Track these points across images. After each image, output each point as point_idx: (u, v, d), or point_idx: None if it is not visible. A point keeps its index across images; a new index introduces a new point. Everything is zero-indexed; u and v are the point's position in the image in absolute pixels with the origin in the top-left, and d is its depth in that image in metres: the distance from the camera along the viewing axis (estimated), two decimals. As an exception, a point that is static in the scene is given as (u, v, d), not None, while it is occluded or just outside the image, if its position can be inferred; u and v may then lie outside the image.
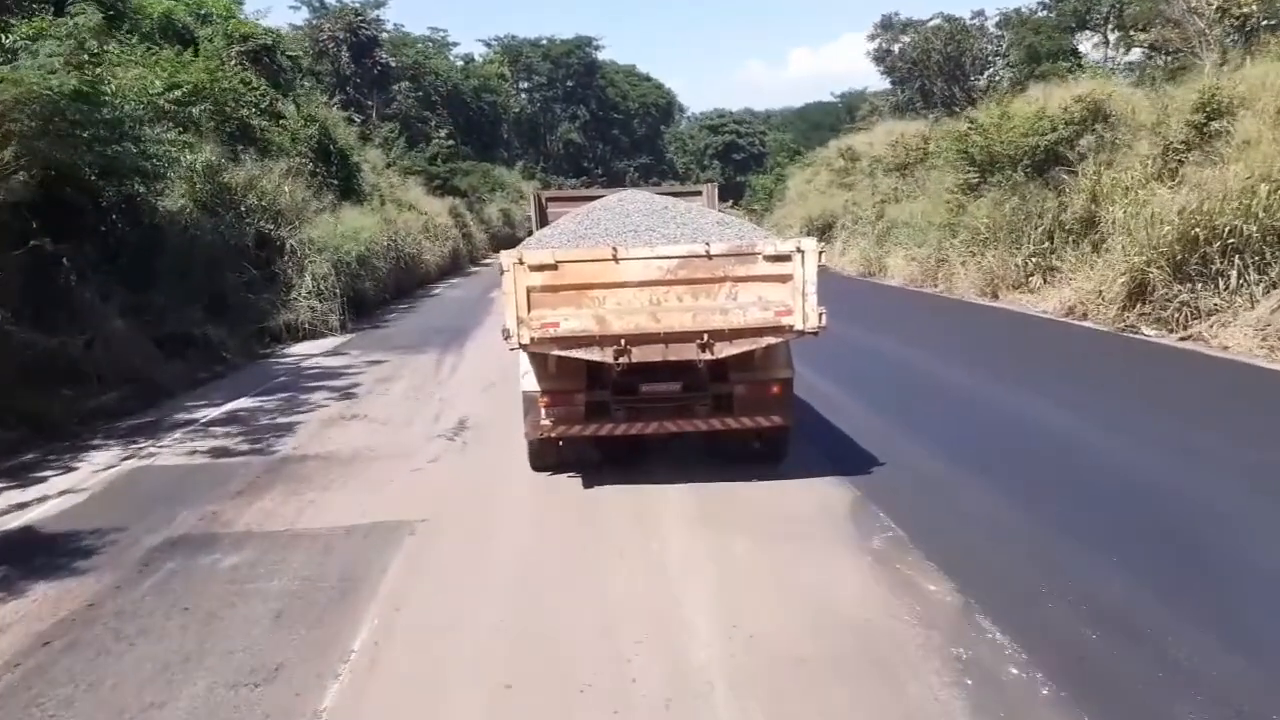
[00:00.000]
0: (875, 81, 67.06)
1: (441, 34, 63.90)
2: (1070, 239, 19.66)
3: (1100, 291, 16.77)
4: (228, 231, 17.37)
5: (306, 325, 17.41)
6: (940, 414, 10.25)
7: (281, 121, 22.74)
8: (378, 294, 21.71)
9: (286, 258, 18.30)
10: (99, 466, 8.94)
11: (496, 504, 7.50)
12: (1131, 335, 14.67)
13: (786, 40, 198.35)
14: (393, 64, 43.22)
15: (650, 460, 8.25)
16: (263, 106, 22.84)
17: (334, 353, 15.91)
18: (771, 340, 7.06)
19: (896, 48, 49.73)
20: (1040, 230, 20.23)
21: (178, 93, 16.65)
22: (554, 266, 6.75)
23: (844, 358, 13.11)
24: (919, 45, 45.03)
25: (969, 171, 23.45)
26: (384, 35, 46.45)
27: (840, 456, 8.43)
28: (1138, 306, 15.51)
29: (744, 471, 7.82)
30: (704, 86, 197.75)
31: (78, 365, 11.65)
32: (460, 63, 63.70)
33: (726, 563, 6.08)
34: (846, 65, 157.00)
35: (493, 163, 58.21)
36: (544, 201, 11.69)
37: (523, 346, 6.94)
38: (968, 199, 23.11)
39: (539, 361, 7.36)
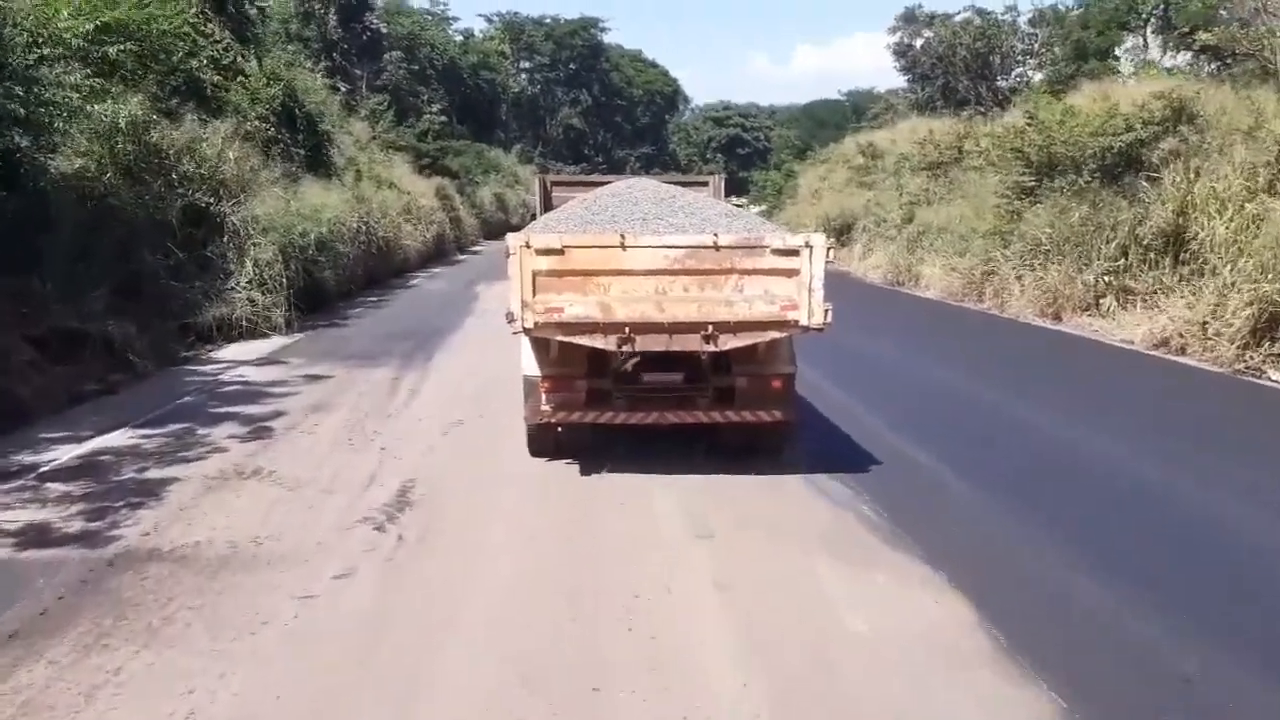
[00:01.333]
0: (882, 81, 64.24)
1: (442, 7, 60.41)
2: (1149, 256, 16.63)
3: (1205, 323, 13.74)
4: (152, 203, 14.11)
5: (244, 322, 14.15)
6: (1053, 487, 7.47)
7: (241, 79, 19.41)
8: (340, 285, 18.41)
9: (227, 238, 15.03)
10: None
11: (435, 699, 4.32)
12: (1255, 379, 11.68)
13: (791, 37, 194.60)
14: (384, 30, 39.70)
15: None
16: (218, 60, 19.53)
17: (268, 360, 12.66)
18: (776, 335, 6.94)
19: (919, 42, 46.68)
20: (1114, 244, 17.18)
21: (89, 26, 13.29)
22: (560, 251, 6.60)
23: (905, 393, 10.20)
24: (945, 40, 41.80)
25: (1024, 174, 20.33)
26: (378, 2, 42.92)
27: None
28: (1264, 344, 12.51)
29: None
30: (707, 79, 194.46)
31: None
32: (459, 37, 60.20)
33: None
34: (851, 64, 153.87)
35: (489, 144, 54.81)
36: (549, 186, 11.17)
37: (526, 331, 6.76)
38: (1022, 204, 19.97)
39: (541, 346, 7.14)
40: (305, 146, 20.45)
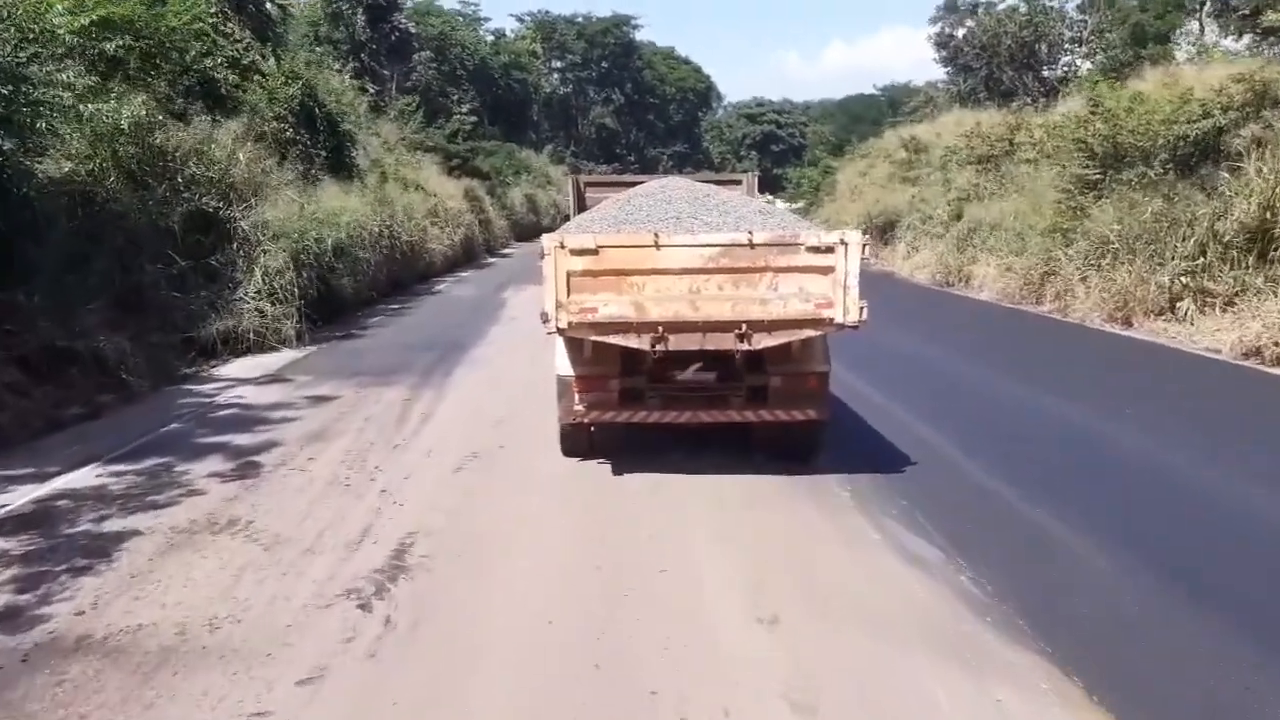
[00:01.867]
0: (918, 74, 62.50)
1: (473, 8, 59.44)
2: (1230, 254, 15.11)
3: (1314, 333, 12.25)
4: (156, 209, 13.11)
5: (251, 335, 13.09)
6: (1200, 546, 5.93)
7: (258, 78, 18.41)
8: (360, 292, 17.31)
9: (236, 245, 13.98)
10: None
11: None
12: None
13: (822, 33, 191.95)
14: (413, 30, 38.67)
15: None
16: (238, 59, 18.57)
17: (273, 378, 11.56)
18: (811, 333, 6.81)
19: (960, 33, 44.98)
20: (1191, 242, 15.65)
21: (83, 20, 12.27)
22: (595, 251, 6.55)
23: (981, 414, 8.79)
24: (990, 29, 40.06)
25: (1087, 166, 18.79)
26: (408, 2, 41.95)
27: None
28: (1381, 356, 11.03)
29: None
30: (738, 77, 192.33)
31: None
32: (490, 38, 59.20)
33: None
34: (884, 59, 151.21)
35: (520, 145, 53.77)
36: (582, 187, 10.99)
37: (560, 331, 6.69)
38: (1086, 199, 18.43)
39: (575, 346, 7.09)
40: (326, 148, 19.40)
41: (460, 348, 13.67)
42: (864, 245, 6.65)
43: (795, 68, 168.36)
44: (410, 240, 21.97)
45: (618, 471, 7.49)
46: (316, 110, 19.06)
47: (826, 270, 6.56)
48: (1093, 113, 18.83)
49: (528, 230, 43.68)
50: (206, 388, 11.01)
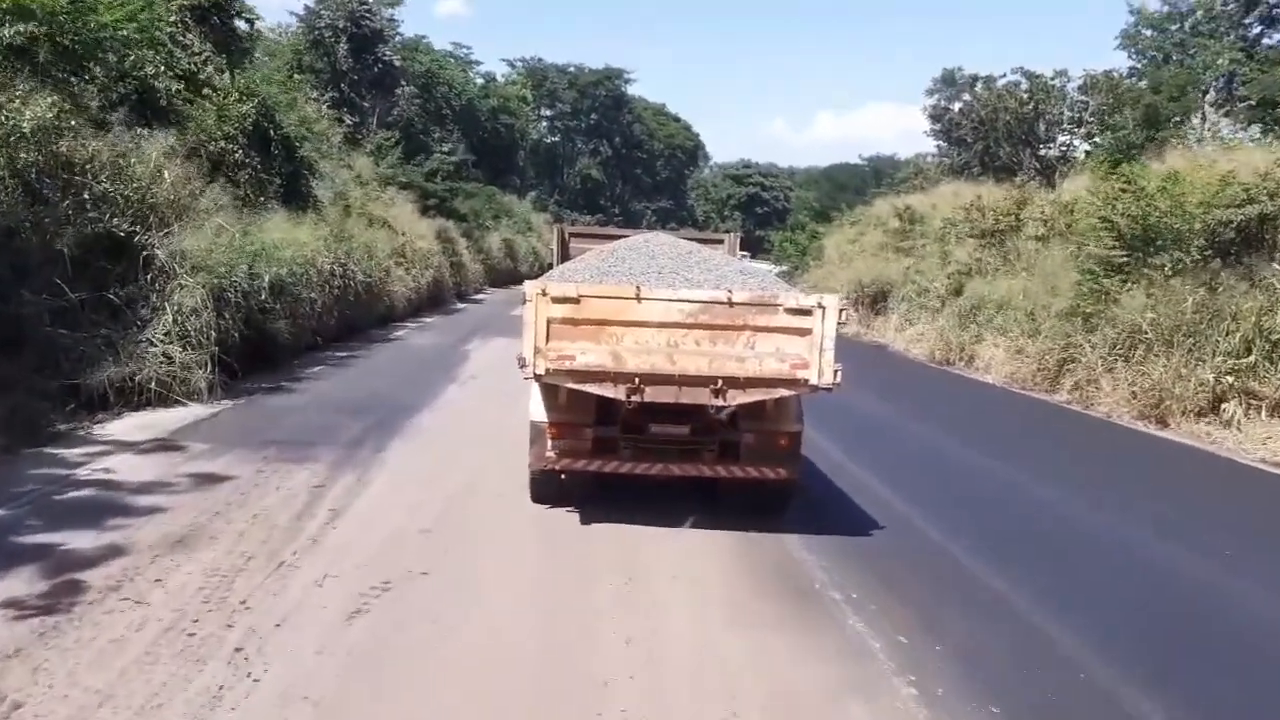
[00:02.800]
0: (903, 147, 62.13)
1: (465, 51, 58.02)
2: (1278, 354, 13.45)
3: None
4: (53, 228, 10.92)
5: (154, 385, 10.82)
6: None
7: (207, 92, 16.34)
8: (300, 337, 15.05)
9: (151, 277, 11.77)
10: None
11: None
12: None
13: (810, 104, 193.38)
14: (396, 63, 36.87)
15: None
16: (195, 73, 16.53)
17: (162, 444, 9.24)
18: (785, 392, 6.80)
19: (956, 106, 44.12)
20: (1236, 338, 13.91)
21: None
22: (576, 300, 6.55)
23: (1010, 525, 6.97)
24: (989, 103, 38.97)
25: (1114, 247, 17.07)
26: (395, 36, 40.25)
27: None
28: None
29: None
30: (726, 139, 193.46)
31: None
32: (480, 80, 57.68)
33: None
34: (870, 131, 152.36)
35: (504, 189, 51.96)
36: (567, 236, 10.91)
37: (537, 377, 6.65)
38: (1111, 282, 16.66)
39: (550, 393, 7.01)
40: (280, 174, 17.30)
41: (404, 412, 11.46)
42: (841, 310, 6.66)
43: (783, 133, 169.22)
44: (367, 281, 19.77)
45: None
46: (271, 132, 16.97)
47: (804, 332, 6.57)
48: (1124, 190, 17.13)
49: (503, 276, 41.65)
50: (75, 453, 8.70)
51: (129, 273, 11.64)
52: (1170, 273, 15.54)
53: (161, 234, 12.10)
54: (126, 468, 8.24)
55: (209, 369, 11.24)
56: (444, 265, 29.53)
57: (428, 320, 24.42)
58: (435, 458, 9.36)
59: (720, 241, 11.09)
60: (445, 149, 39.76)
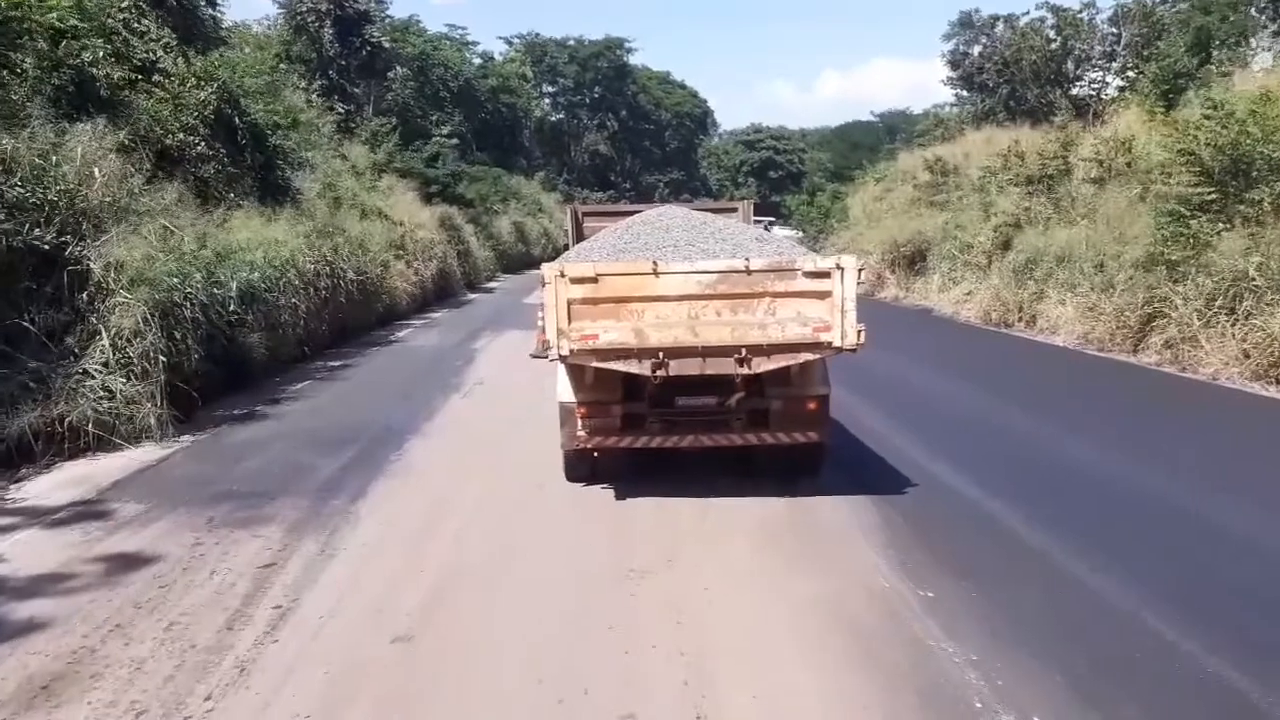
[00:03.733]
0: (911, 101, 59.27)
1: (461, 31, 55.63)
2: None
3: None
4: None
5: (91, 428, 8.88)
6: None
7: (157, 79, 14.31)
8: (281, 349, 13.04)
9: (88, 296, 9.81)
10: None
11: None
12: None
13: (815, 63, 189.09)
14: (386, 44, 34.61)
15: None
16: (139, 59, 14.50)
17: (84, 511, 7.25)
18: (809, 356, 6.73)
19: (976, 50, 41.46)
20: (1370, 282, 11.67)
21: None
22: (594, 279, 6.50)
23: (1139, 525, 4.69)
24: (1014, 42, 36.31)
25: (1197, 184, 14.77)
26: (384, 17, 37.95)
27: None
28: None
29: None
30: (732, 105, 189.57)
31: None
32: (477, 60, 55.30)
33: None
34: (877, 88, 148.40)
35: (510, 171, 49.75)
36: (580, 216, 10.59)
37: (562, 358, 6.63)
38: (1200, 224, 14.37)
39: (577, 373, 7.01)
40: (251, 166, 15.28)
41: (392, 440, 9.45)
42: (860, 269, 6.60)
43: (787, 95, 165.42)
44: (363, 278, 17.75)
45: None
46: (237, 120, 14.92)
47: (824, 295, 6.50)
48: (1207, 117, 14.79)
49: (516, 261, 39.59)
50: (-35, 530, 6.77)
51: (58, 292, 9.68)
52: (1271, 207, 13.31)
53: (98, 243, 10.13)
54: (23, 552, 6.27)
55: (158, 401, 9.27)
56: (450, 255, 27.49)
57: (434, 316, 22.39)
58: (425, 505, 7.36)
59: (734, 210, 10.93)
60: (444, 131, 37.60)
